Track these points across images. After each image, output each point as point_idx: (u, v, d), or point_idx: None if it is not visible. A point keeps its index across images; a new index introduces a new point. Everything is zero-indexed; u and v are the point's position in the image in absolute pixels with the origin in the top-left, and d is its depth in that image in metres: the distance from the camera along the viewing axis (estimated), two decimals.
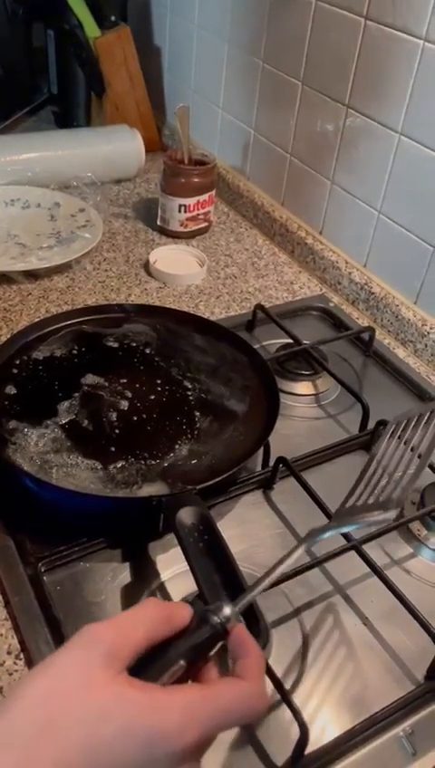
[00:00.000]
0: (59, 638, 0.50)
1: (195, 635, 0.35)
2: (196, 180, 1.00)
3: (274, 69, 0.99)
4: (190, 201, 1.00)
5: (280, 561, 0.41)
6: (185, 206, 1.00)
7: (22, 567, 0.54)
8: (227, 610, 0.36)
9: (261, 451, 0.65)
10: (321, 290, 0.95)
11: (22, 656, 0.50)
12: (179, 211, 1.00)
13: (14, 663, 0.49)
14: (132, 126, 1.17)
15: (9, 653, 0.50)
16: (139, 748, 0.31)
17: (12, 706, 0.32)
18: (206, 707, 0.33)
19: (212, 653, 0.36)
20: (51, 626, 0.51)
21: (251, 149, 1.10)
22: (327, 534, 0.45)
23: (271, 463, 0.64)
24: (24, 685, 0.33)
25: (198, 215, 1.02)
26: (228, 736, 0.46)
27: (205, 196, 1.01)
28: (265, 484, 0.65)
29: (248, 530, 0.61)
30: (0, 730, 0.31)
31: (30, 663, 0.49)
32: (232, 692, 0.34)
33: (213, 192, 1.03)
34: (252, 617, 0.44)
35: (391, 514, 0.45)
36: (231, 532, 0.59)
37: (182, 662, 0.34)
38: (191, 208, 1.01)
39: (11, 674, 0.49)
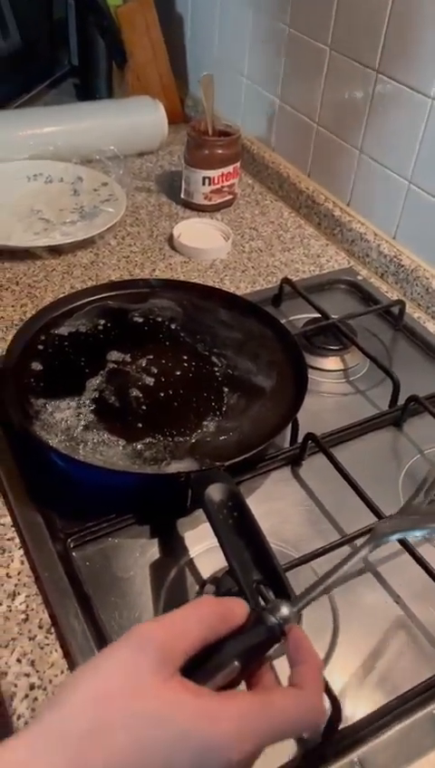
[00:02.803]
0: (89, 612, 0.50)
1: (251, 635, 0.34)
2: (220, 152, 0.97)
3: (300, 34, 0.96)
4: (214, 173, 0.98)
5: (344, 561, 0.39)
6: (209, 178, 0.98)
7: (51, 543, 0.54)
8: (285, 611, 0.35)
9: (289, 427, 0.64)
10: (349, 263, 0.93)
11: (53, 630, 0.50)
12: (203, 184, 0.98)
13: (45, 637, 0.49)
14: (155, 97, 1.14)
15: (40, 627, 0.50)
16: (191, 757, 0.30)
17: (61, 708, 0.31)
18: (262, 719, 0.31)
19: (268, 654, 0.35)
20: (80, 601, 0.51)
21: (277, 119, 1.07)
22: (395, 537, 0.43)
23: (299, 439, 0.63)
24: (72, 686, 0.32)
25: (223, 187, 1.00)
26: None
27: (229, 168, 0.99)
28: (294, 461, 0.64)
29: (277, 506, 0.61)
30: (50, 732, 0.30)
31: (61, 637, 0.49)
32: (289, 704, 0.32)
33: (238, 164, 1.00)
34: (283, 594, 0.44)
35: None
36: (259, 508, 0.58)
37: (237, 663, 0.33)
38: (215, 181, 0.99)
39: (42, 648, 0.49)
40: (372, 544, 0.42)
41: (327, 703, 0.43)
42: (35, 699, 0.46)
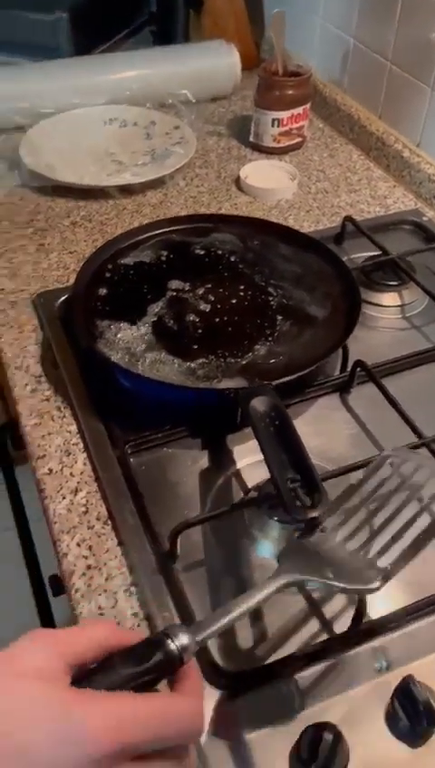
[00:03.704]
0: (141, 509, 0.55)
1: (150, 667, 0.32)
2: (290, 93, 0.98)
3: None
4: (284, 115, 0.99)
5: (255, 591, 0.38)
6: (278, 119, 0.99)
7: (111, 449, 0.59)
8: (185, 639, 0.33)
9: (340, 356, 0.67)
10: (416, 204, 0.93)
11: (109, 522, 0.55)
12: (273, 125, 0.99)
13: (102, 527, 0.55)
14: (229, 41, 1.15)
15: (98, 519, 0.56)
16: (51, 747, 0.28)
17: None
18: (135, 717, 0.30)
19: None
20: (135, 499, 0.56)
21: (350, 59, 1.06)
22: (307, 584, 0.42)
23: (349, 367, 0.65)
24: None
25: (292, 129, 1.01)
26: (294, 605, 0.50)
27: (299, 110, 0.99)
28: (343, 388, 0.66)
29: (323, 428, 0.63)
30: None
31: (116, 529, 0.54)
32: (168, 705, 0.31)
33: (308, 105, 1.01)
34: (315, 489, 0.47)
35: (374, 586, 0.40)
36: (306, 429, 0.59)
37: (131, 690, 0.32)
38: (285, 122, 0.99)
39: (99, 536, 0.54)
40: (289, 579, 0.39)
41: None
42: (91, 578, 0.52)
